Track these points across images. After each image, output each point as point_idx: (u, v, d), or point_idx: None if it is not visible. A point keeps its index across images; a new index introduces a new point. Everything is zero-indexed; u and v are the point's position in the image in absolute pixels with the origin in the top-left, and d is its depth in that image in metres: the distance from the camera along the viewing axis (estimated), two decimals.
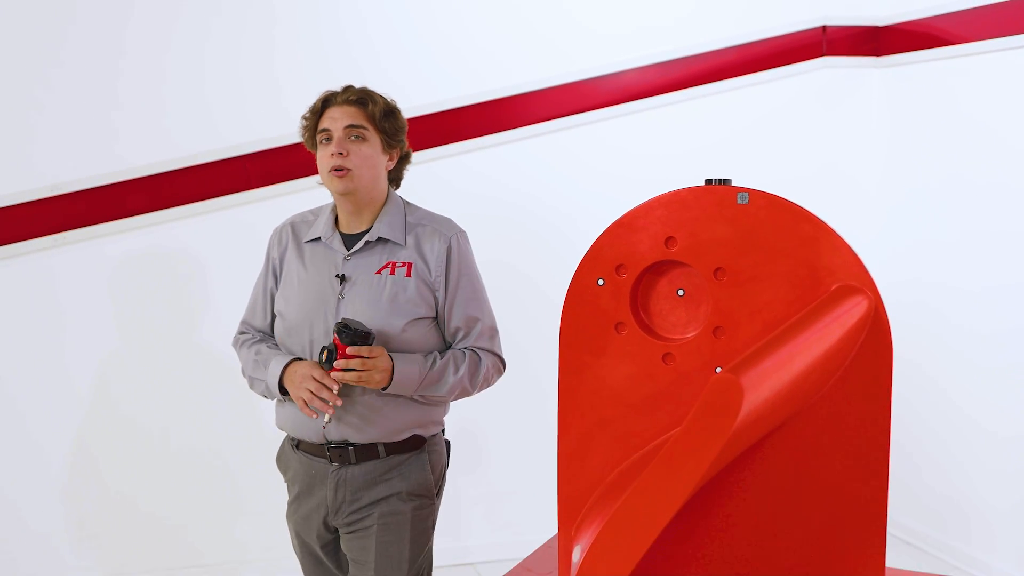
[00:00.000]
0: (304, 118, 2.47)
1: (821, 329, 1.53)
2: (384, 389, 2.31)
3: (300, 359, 2.37)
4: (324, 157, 2.38)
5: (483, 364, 2.43)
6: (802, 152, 4.67)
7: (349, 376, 2.24)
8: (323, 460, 2.39)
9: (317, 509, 2.42)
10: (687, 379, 1.71)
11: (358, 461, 2.37)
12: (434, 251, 2.41)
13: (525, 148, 4.37)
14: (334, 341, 2.27)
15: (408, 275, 2.38)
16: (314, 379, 2.27)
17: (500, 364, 2.50)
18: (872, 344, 1.59)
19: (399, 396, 2.35)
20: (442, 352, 2.42)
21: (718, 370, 1.66)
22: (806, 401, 1.60)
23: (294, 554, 2.60)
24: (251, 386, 2.50)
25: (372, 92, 2.45)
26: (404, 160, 2.54)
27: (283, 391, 2.37)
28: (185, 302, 4.02)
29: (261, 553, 4.00)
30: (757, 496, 1.68)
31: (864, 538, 1.65)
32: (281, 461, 2.56)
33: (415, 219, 2.46)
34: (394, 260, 2.39)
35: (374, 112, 2.40)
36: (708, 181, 1.70)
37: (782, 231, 1.64)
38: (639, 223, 1.72)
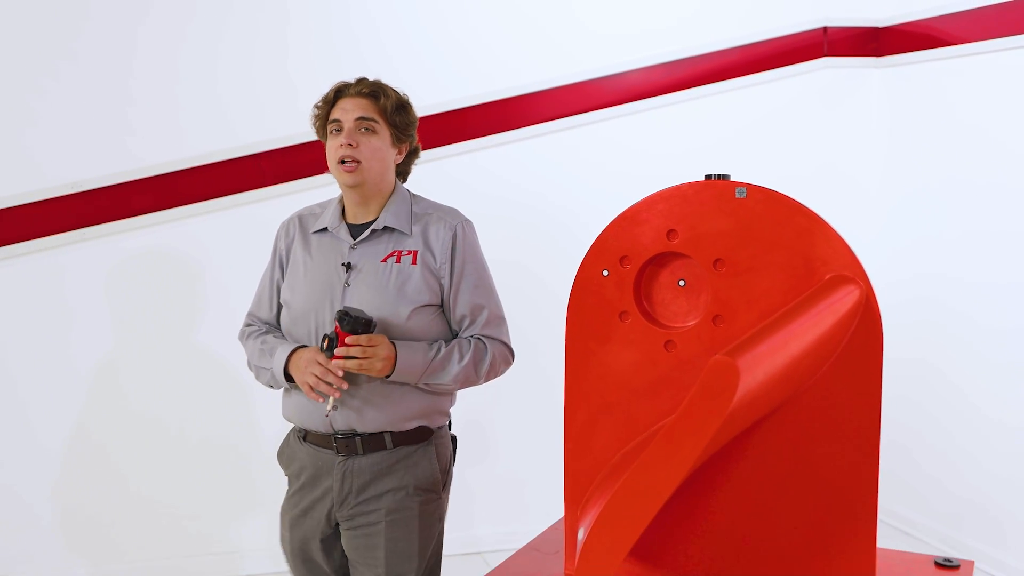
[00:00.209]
0: (316, 107, 2.47)
1: (814, 316, 1.59)
2: (387, 377, 2.30)
3: (305, 346, 2.37)
4: (333, 148, 2.38)
5: (488, 352, 2.42)
6: (803, 150, 4.71)
7: (350, 364, 2.24)
8: (330, 451, 2.38)
9: (321, 500, 2.40)
10: (688, 365, 1.77)
11: (365, 452, 2.36)
12: (439, 239, 2.40)
13: (532, 147, 4.42)
14: (335, 329, 2.27)
15: (414, 263, 2.38)
16: (319, 364, 2.26)
17: (508, 353, 2.48)
18: (863, 331, 1.65)
19: (404, 384, 2.34)
20: (447, 341, 2.41)
21: None
22: (800, 385, 1.67)
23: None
24: (257, 376, 2.49)
25: (385, 86, 2.44)
26: (413, 154, 2.54)
27: (288, 379, 2.37)
28: (200, 298, 4.07)
29: (266, 543, 4.07)
30: (754, 477, 1.74)
31: (856, 518, 1.70)
32: (284, 455, 2.53)
33: (421, 209, 2.46)
34: (400, 249, 2.39)
35: (386, 105, 2.40)
36: (708, 176, 1.76)
37: (778, 224, 1.70)
38: (642, 216, 1.78)
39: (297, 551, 2.47)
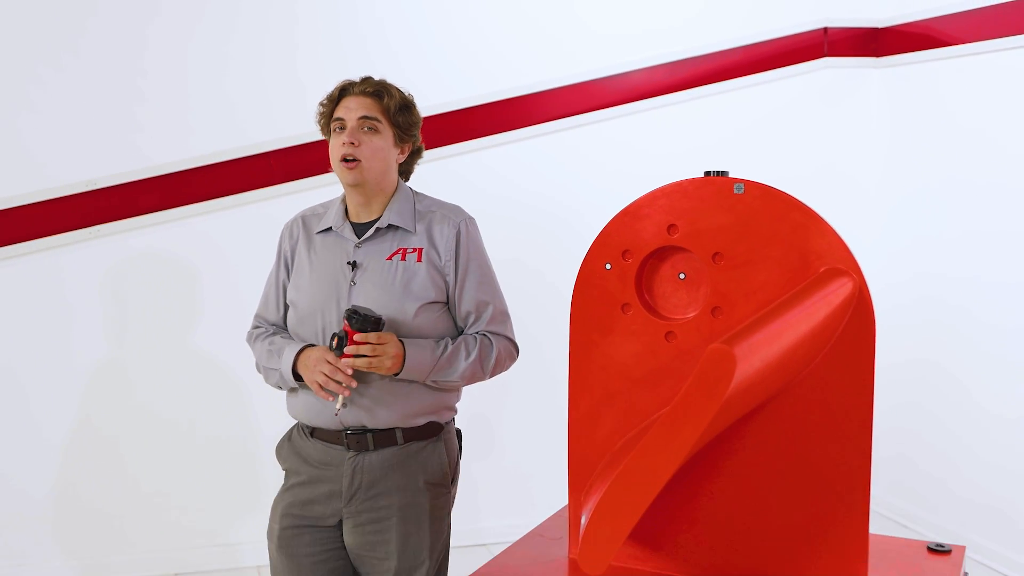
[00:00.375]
0: (321, 104, 2.46)
1: (809, 307, 1.65)
2: (396, 375, 2.29)
3: (312, 345, 2.36)
4: (336, 146, 2.37)
5: (494, 348, 2.42)
6: (804, 148, 4.75)
7: (359, 362, 2.23)
8: (340, 447, 2.36)
9: (327, 495, 2.39)
10: (688, 355, 1.82)
11: (375, 448, 2.35)
12: (444, 237, 2.40)
13: (535, 146, 4.45)
14: (344, 327, 2.27)
15: (419, 260, 2.37)
16: (328, 362, 2.26)
17: (513, 348, 2.49)
18: (856, 322, 1.71)
19: (411, 381, 2.34)
20: (453, 338, 2.41)
21: None
22: (796, 374, 1.73)
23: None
24: (266, 378, 2.47)
25: (389, 85, 2.43)
26: (416, 154, 2.53)
27: (297, 378, 2.36)
28: (210, 295, 4.11)
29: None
30: (750, 464, 1.80)
31: (849, 504, 1.76)
32: (283, 449, 2.51)
33: (424, 207, 2.45)
34: (405, 246, 2.39)
35: (389, 105, 2.39)
36: (707, 173, 1.82)
37: (775, 219, 1.76)
38: (643, 212, 1.84)
39: (285, 542, 2.42)
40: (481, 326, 2.44)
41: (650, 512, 1.84)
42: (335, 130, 2.39)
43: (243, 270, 3.78)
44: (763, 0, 4.69)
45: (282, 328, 2.53)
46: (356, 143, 2.34)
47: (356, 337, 2.23)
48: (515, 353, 2.51)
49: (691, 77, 4.60)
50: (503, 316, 2.48)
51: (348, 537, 2.40)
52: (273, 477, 2.61)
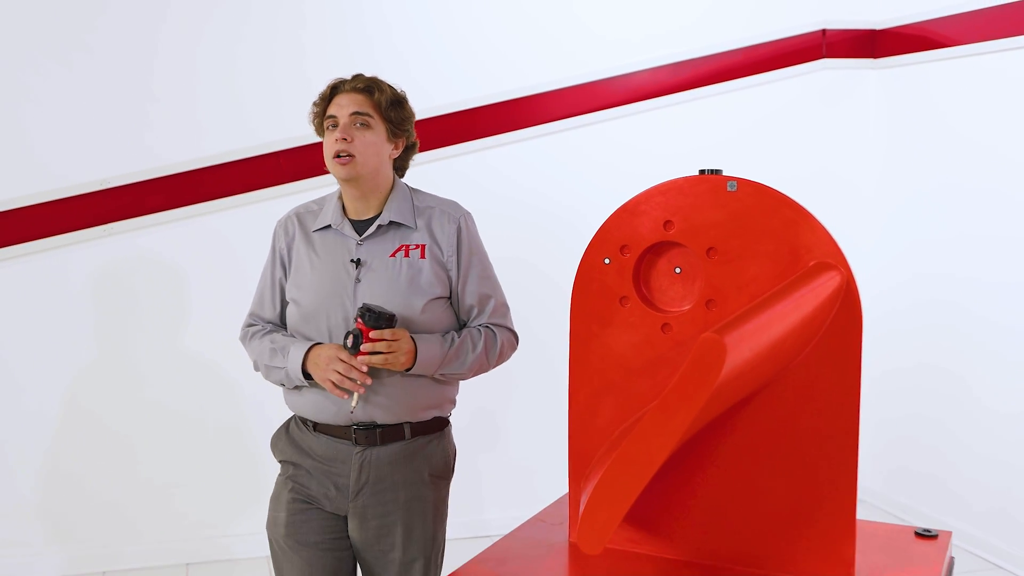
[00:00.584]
0: (314, 104, 2.47)
1: (798, 299, 1.72)
2: (407, 370, 2.32)
3: (320, 343, 2.36)
4: (329, 143, 2.38)
5: (498, 340, 2.47)
6: (803, 147, 4.80)
7: (375, 359, 2.25)
8: (347, 442, 2.38)
9: (333, 489, 2.40)
10: (683, 346, 1.88)
11: (383, 443, 2.38)
12: (445, 232, 2.42)
13: (539, 146, 4.50)
14: (357, 325, 2.27)
15: (422, 256, 2.39)
16: (341, 361, 2.26)
17: (514, 339, 2.54)
18: (844, 314, 1.78)
19: (420, 376, 2.37)
20: (458, 331, 2.45)
21: None
22: (786, 363, 1.80)
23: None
24: (267, 376, 2.47)
25: (380, 81, 2.44)
26: (410, 150, 2.54)
27: (305, 376, 2.36)
28: (220, 291, 4.18)
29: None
30: (742, 451, 1.87)
31: (837, 489, 1.82)
32: (280, 441, 2.51)
33: (422, 203, 2.47)
34: (407, 243, 2.40)
35: (380, 100, 2.40)
36: (701, 171, 1.89)
37: (766, 215, 1.82)
38: (641, 208, 1.91)
39: (293, 530, 2.43)
40: (484, 319, 2.48)
41: (647, 497, 1.92)
42: (328, 128, 2.41)
43: (252, 268, 3.78)
44: (762, 3, 4.74)
45: (278, 326, 2.52)
46: (349, 139, 2.35)
47: (372, 334, 2.25)
48: (516, 343, 2.57)
49: (692, 78, 4.65)
50: (504, 308, 2.53)
51: (353, 532, 2.43)
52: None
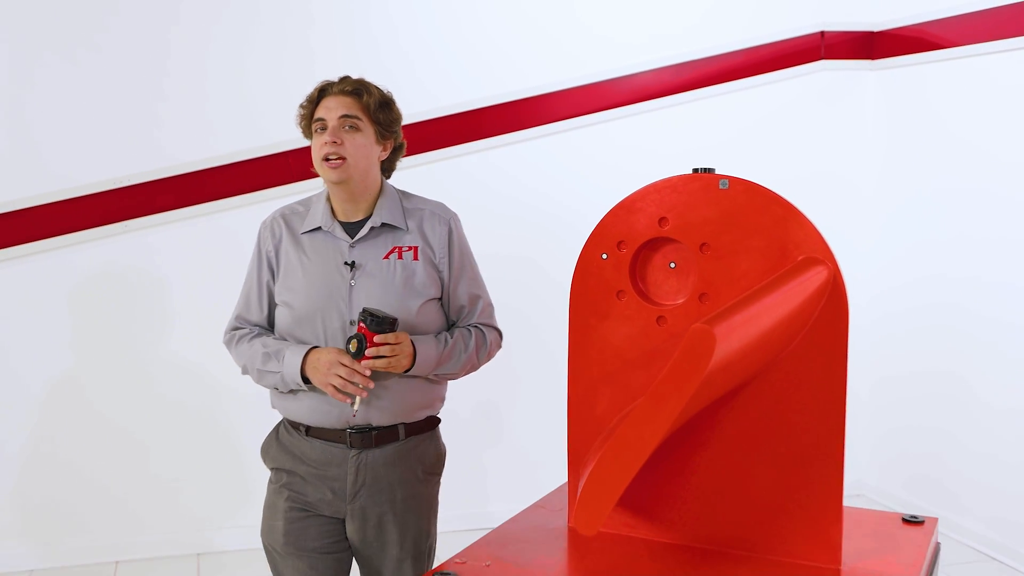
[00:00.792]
0: (302, 107, 2.45)
1: (786, 292, 1.79)
2: (406, 372, 2.33)
3: (317, 347, 2.34)
4: (318, 146, 2.36)
5: (487, 339, 2.49)
6: (802, 148, 4.84)
7: (379, 363, 2.25)
8: (342, 445, 2.37)
9: (332, 494, 2.40)
10: (677, 338, 1.93)
11: (378, 444, 2.38)
12: (436, 234, 2.43)
13: (542, 146, 4.56)
14: (359, 330, 2.26)
15: (415, 258, 2.39)
16: (343, 365, 2.25)
17: (500, 338, 2.57)
18: (831, 307, 1.84)
19: (414, 376, 2.37)
20: (450, 331, 2.46)
21: None
22: (775, 354, 1.86)
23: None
24: (258, 380, 2.43)
25: (368, 83, 2.43)
26: (398, 151, 2.52)
27: (303, 380, 2.34)
28: (231, 289, 4.21)
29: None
30: (733, 440, 1.94)
31: (824, 476, 1.89)
32: (272, 448, 2.49)
33: (412, 205, 2.46)
34: (399, 245, 2.40)
35: (369, 103, 2.38)
36: (695, 170, 1.97)
37: (757, 212, 1.89)
38: (637, 206, 1.98)
39: (293, 538, 2.42)
40: (473, 318, 2.51)
41: (642, 484, 1.99)
42: (316, 131, 2.39)
43: None
44: (762, 5, 4.79)
45: (265, 329, 2.50)
46: (339, 142, 2.33)
47: (376, 339, 2.25)
48: (501, 341, 2.60)
49: (692, 79, 4.69)
50: (491, 308, 2.56)
51: (352, 533, 2.45)
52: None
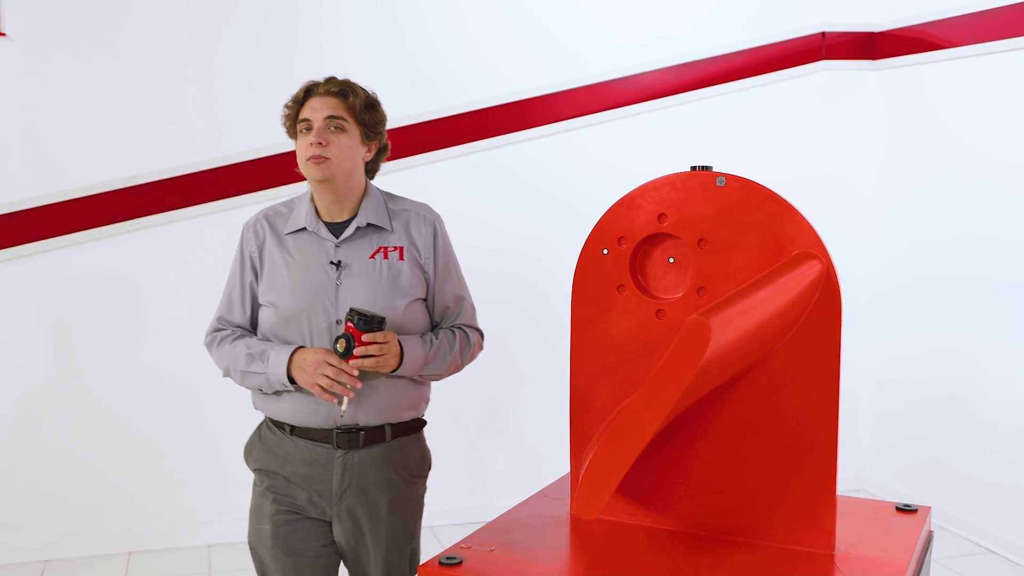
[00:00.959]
0: (286, 106, 2.44)
1: (780, 285, 1.84)
2: (393, 372, 2.33)
3: (302, 347, 2.33)
4: (303, 146, 2.35)
5: (471, 340, 2.50)
6: (803, 147, 4.88)
7: (367, 363, 2.25)
8: (328, 445, 2.36)
9: (318, 495, 2.40)
10: (676, 331, 1.94)
11: (365, 445, 2.37)
12: (422, 234, 2.43)
13: (546, 145, 4.61)
14: (347, 329, 2.25)
15: (401, 258, 2.39)
16: (330, 365, 2.24)
17: (481, 339, 2.57)
18: (825, 300, 1.89)
19: (399, 377, 2.37)
20: (434, 332, 2.46)
21: None
22: (770, 346, 1.91)
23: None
24: (241, 381, 2.42)
25: (354, 84, 2.42)
26: (382, 152, 2.51)
27: (289, 380, 2.32)
28: None
29: None
30: (729, 430, 1.99)
31: (818, 466, 1.93)
32: (254, 452, 2.48)
33: (397, 206, 2.46)
34: (385, 245, 2.39)
35: (354, 104, 2.37)
36: (693, 168, 2.02)
37: (752, 208, 1.94)
38: (637, 202, 2.04)
39: (280, 541, 2.41)
40: (457, 320, 2.51)
41: (642, 473, 2.05)
42: (302, 131, 2.38)
43: None
44: (763, 7, 4.83)
45: (248, 331, 2.48)
46: (324, 143, 2.33)
47: (365, 338, 2.24)
48: (483, 343, 2.59)
49: (694, 80, 4.74)
50: (473, 309, 2.57)
51: (339, 535, 2.45)
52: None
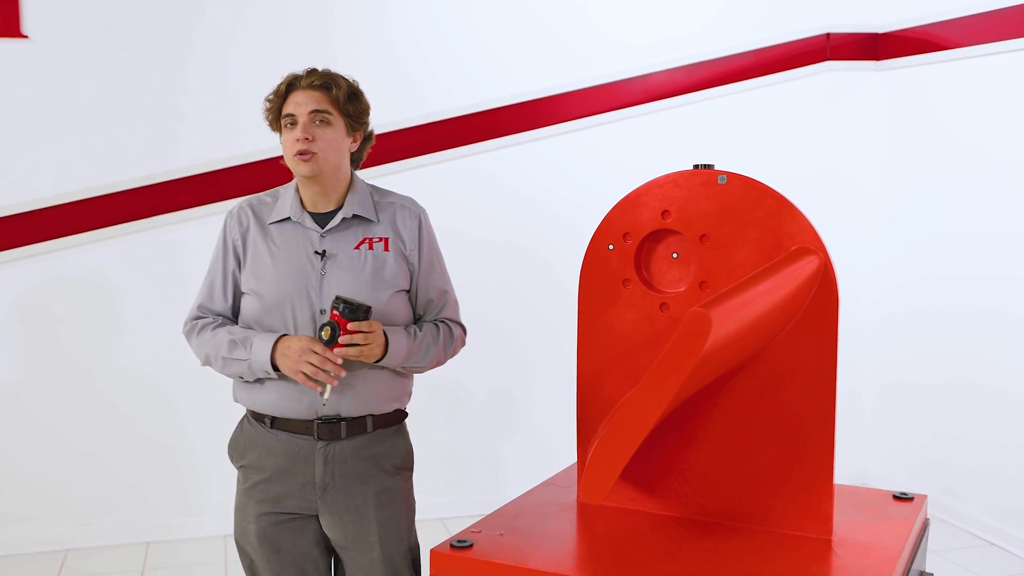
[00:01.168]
0: (268, 100, 2.41)
1: (779, 279, 1.91)
2: (377, 362, 2.31)
3: (286, 335, 2.31)
4: (289, 142, 2.34)
5: (454, 335, 2.48)
6: (808, 147, 4.93)
7: (352, 351, 2.22)
8: (309, 437, 2.34)
9: (299, 487, 2.37)
10: (679, 323, 2.08)
11: (347, 436, 2.35)
12: (407, 227, 2.42)
13: (554, 144, 4.66)
14: (332, 317, 2.23)
15: (386, 249, 2.38)
16: (315, 353, 2.22)
17: (464, 333, 2.54)
18: (822, 294, 1.96)
19: (382, 368, 2.35)
20: (419, 325, 2.44)
21: None
22: (769, 338, 1.98)
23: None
24: (222, 368, 2.38)
25: (336, 75, 2.40)
26: (367, 141, 2.50)
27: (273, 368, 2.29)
28: None
29: None
30: (730, 420, 2.06)
31: (816, 454, 2.00)
32: (238, 446, 2.46)
33: (382, 198, 2.46)
34: (370, 236, 2.38)
35: (338, 96, 2.36)
36: (695, 166, 2.09)
37: (753, 205, 2.01)
38: (641, 200, 2.11)
39: (267, 541, 2.40)
40: (439, 313, 2.50)
41: (646, 461, 2.12)
42: (286, 126, 2.36)
43: None
44: (769, 8, 4.87)
45: (228, 318, 2.46)
46: (310, 138, 2.31)
47: (350, 326, 2.22)
48: (465, 338, 2.57)
49: (700, 80, 4.78)
50: (456, 304, 2.55)
51: (329, 530, 2.41)
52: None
